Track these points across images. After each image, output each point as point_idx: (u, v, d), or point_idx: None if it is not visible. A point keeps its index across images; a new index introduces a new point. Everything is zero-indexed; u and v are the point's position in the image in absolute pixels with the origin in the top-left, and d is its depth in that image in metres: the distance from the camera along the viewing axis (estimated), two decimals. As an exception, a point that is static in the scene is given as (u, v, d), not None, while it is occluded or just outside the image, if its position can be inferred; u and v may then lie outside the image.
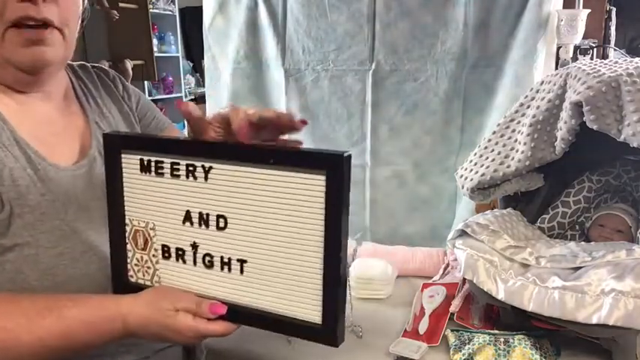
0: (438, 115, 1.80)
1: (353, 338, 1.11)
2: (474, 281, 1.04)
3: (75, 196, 0.76)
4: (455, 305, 1.11)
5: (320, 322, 0.66)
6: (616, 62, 1.08)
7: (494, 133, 1.27)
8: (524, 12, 1.63)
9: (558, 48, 1.69)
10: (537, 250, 1.11)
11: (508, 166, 1.20)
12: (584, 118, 1.05)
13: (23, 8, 0.68)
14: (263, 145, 0.68)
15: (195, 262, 0.72)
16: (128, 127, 0.91)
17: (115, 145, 0.73)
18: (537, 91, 1.20)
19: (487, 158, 1.25)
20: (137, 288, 0.75)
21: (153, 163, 0.71)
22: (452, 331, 1.03)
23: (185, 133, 0.87)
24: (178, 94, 4.59)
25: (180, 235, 0.72)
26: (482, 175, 1.22)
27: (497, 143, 1.25)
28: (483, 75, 1.73)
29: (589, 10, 1.65)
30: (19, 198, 0.69)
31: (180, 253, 0.72)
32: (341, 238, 0.65)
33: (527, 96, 1.24)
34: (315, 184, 0.63)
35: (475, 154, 1.29)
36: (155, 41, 4.28)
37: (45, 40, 0.71)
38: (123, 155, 0.73)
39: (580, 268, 1.00)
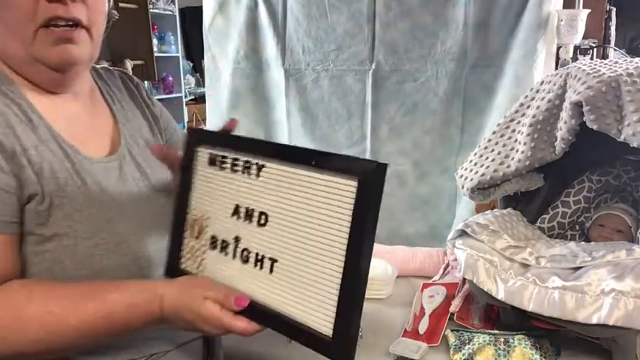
0: (438, 115, 1.80)
1: (353, 338, 1.10)
2: (474, 281, 1.04)
3: (107, 188, 0.79)
4: (455, 305, 1.11)
5: (330, 336, 0.64)
6: (616, 62, 1.08)
7: (494, 133, 1.27)
8: (524, 12, 1.63)
9: (558, 48, 1.69)
10: (537, 250, 1.11)
11: (508, 166, 1.20)
12: (584, 118, 1.05)
13: (53, 9, 0.70)
14: (307, 148, 0.70)
15: (234, 256, 0.74)
16: (150, 132, 0.95)
17: (194, 140, 0.79)
18: (537, 91, 1.20)
19: (487, 158, 1.25)
20: (185, 274, 0.79)
21: (219, 158, 0.76)
22: (452, 331, 1.03)
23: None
24: (178, 94, 4.59)
25: (227, 228, 0.75)
26: (483, 175, 1.22)
27: (497, 143, 1.25)
28: (483, 75, 1.72)
29: (589, 10, 1.65)
30: (58, 190, 0.72)
31: (224, 245, 0.75)
32: (362, 253, 0.63)
33: (527, 96, 1.24)
34: (346, 190, 0.63)
35: (475, 154, 1.29)
36: (155, 41, 4.28)
37: (73, 38, 0.74)
38: (198, 149, 0.79)
39: (580, 268, 1.00)
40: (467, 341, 0.99)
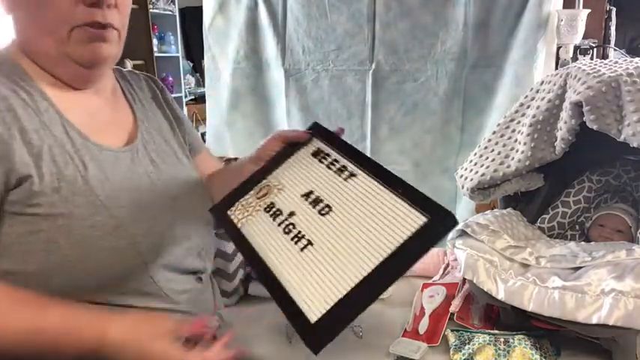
0: (438, 115, 1.80)
1: (353, 338, 1.11)
2: (474, 281, 1.04)
3: (113, 175, 0.80)
4: (455, 305, 1.11)
5: (312, 322, 0.69)
6: (616, 62, 1.08)
7: (494, 133, 1.27)
8: (524, 12, 1.63)
9: (558, 48, 1.69)
10: (537, 250, 1.11)
11: (508, 166, 1.20)
12: (584, 118, 1.05)
13: (91, 14, 0.75)
14: (402, 180, 0.77)
15: (279, 224, 0.82)
16: (171, 131, 0.98)
17: (314, 131, 0.91)
18: (537, 91, 1.20)
19: (487, 158, 1.25)
20: (227, 220, 0.87)
21: (323, 154, 0.87)
22: (452, 331, 1.03)
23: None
24: (178, 94, 4.59)
25: (290, 202, 0.83)
26: (483, 175, 1.22)
27: (497, 143, 1.25)
28: (483, 75, 1.73)
29: (589, 10, 1.65)
30: (57, 172, 0.74)
31: (277, 212, 0.83)
32: (389, 276, 0.68)
33: (527, 96, 1.24)
34: (413, 221, 0.70)
35: (475, 154, 1.29)
36: (155, 41, 4.28)
37: (106, 37, 0.78)
38: (312, 139, 0.90)
39: (580, 268, 1.00)
40: (467, 341, 0.99)
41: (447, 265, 1.34)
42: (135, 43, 3.97)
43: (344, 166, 0.83)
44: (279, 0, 1.90)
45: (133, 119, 0.92)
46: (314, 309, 0.69)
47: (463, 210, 1.78)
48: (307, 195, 0.82)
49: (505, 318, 1.04)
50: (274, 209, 0.84)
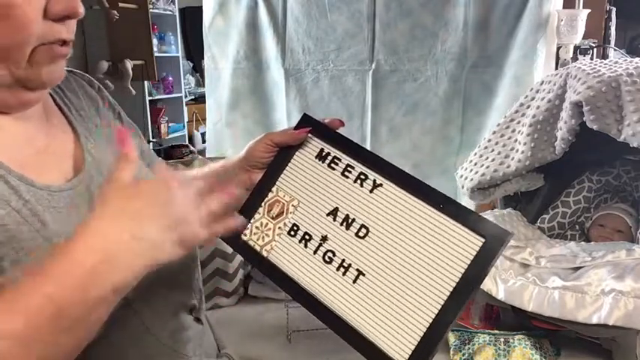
0: (438, 115, 1.79)
1: (353, 338, 1.10)
2: (474, 281, 1.04)
3: (79, 220, 0.60)
4: (455, 305, 1.11)
5: None
6: (616, 62, 1.08)
7: (494, 133, 1.27)
8: (524, 12, 1.63)
9: (558, 48, 1.69)
10: (537, 250, 1.11)
11: (508, 166, 1.20)
12: (584, 118, 1.05)
13: (58, 30, 0.60)
14: (437, 190, 0.70)
15: (315, 252, 0.72)
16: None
17: (306, 125, 0.79)
18: (537, 91, 1.20)
19: (487, 158, 1.25)
20: (246, 247, 0.76)
21: (330, 157, 0.76)
22: (452, 331, 1.03)
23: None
24: (178, 94, 4.58)
25: (316, 224, 0.74)
26: (483, 175, 1.22)
27: (497, 143, 1.25)
28: (483, 75, 1.73)
29: (589, 10, 1.65)
30: (9, 240, 0.55)
31: (307, 237, 0.73)
32: (461, 303, 0.65)
33: (527, 96, 1.24)
34: (469, 243, 0.66)
35: (475, 154, 1.29)
36: (155, 41, 4.27)
37: (66, 55, 0.64)
38: (309, 136, 0.78)
39: (580, 268, 1.00)
40: (467, 341, 0.99)
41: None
42: (135, 43, 3.96)
43: (363, 174, 0.73)
44: (279, 0, 1.90)
45: (74, 137, 0.71)
46: (399, 350, 0.66)
47: (463, 210, 1.77)
48: (334, 213, 0.73)
49: (505, 318, 1.04)
50: (301, 233, 0.74)
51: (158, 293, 0.68)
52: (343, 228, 0.72)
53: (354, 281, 0.69)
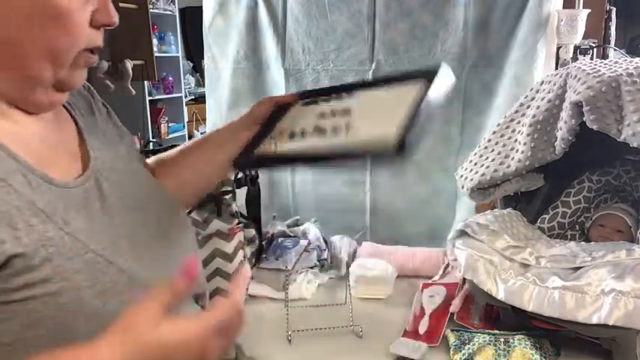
0: (437, 115, 1.79)
1: (353, 338, 1.11)
2: (474, 281, 1.04)
3: (93, 218, 0.65)
4: (455, 305, 1.11)
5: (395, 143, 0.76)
6: (616, 62, 1.08)
7: (494, 133, 1.27)
8: (524, 12, 1.63)
9: (558, 48, 1.69)
10: (537, 250, 1.11)
11: (508, 166, 1.20)
12: (584, 118, 1.05)
13: (97, 37, 0.67)
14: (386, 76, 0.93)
15: (312, 134, 0.86)
16: (116, 132, 0.84)
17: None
18: (537, 91, 1.20)
19: (487, 158, 1.25)
20: (254, 161, 0.90)
21: (314, 100, 0.92)
22: (452, 331, 1.03)
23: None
24: (178, 94, 4.58)
25: (309, 123, 0.88)
26: (483, 175, 1.22)
27: (497, 143, 1.25)
28: (483, 75, 1.72)
29: (589, 10, 1.65)
30: (39, 239, 0.58)
31: (303, 132, 0.87)
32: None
33: (527, 96, 1.24)
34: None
35: (475, 154, 1.29)
36: (155, 41, 4.27)
37: (95, 61, 0.70)
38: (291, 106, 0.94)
39: (580, 268, 1.00)
40: (467, 341, 0.99)
41: (447, 265, 1.34)
42: (135, 43, 3.96)
43: (339, 95, 0.91)
44: (279, 0, 1.90)
45: (78, 134, 0.75)
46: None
47: (463, 210, 1.77)
48: (322, 115, 0.89)
49: (505, 318, 1.04)
50: (297, 132, 0.88)
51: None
52: (331, 116, 0.88)
53: (347, 131, 0.83)
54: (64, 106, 0.75)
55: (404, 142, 0.77)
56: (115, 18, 0.67)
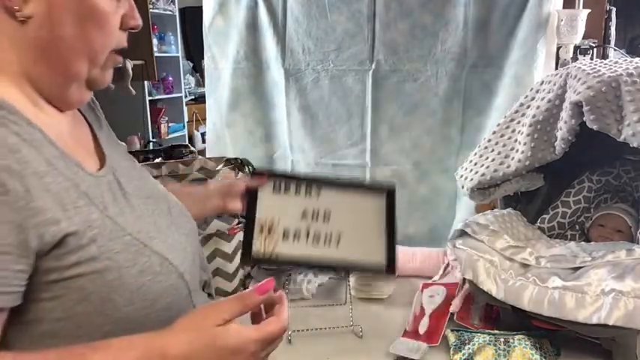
0: (438, 115, 1.79)
1: (353, 338, 1.11)
2: (474, 281, 1.04)
3: (122, 205, 0.71)
4: (455, 305, 1.11)
5: (385, 264, 0.96)
6: (616, 62, 1.08)
7: (494, 133, 1.27)
8: (524, 12, 1.63)
9: (558, 48, 1.69)
10: (537, 250, 1.11)
11: (508, 166, 1.20)
12: (584, 118, 1.05)
13: (124, 38, 0.72)
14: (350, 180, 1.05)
15: (307, 239, 0.97)
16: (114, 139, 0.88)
17: (259, 173, 1.04)
18: (537, 91, 1.20)
19: (487, 158, 1.25)
20: (257, 258, 0.96)
21: (283, 185, 1.02)
22: (452, 331, 1.03)
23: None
24: (178, 94, 4.58)
25: (297, 224, 0.98)
26: (483, 175, 1.22)
27: (497, 143, 1.25)
28: (483, 75, 1.72)
29: (589, 10, 1.65)
30: (85, 220, 0.63)
31: (295, 234, 0.97)
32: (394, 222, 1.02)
33: (527, 96, 1.24)
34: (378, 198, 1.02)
35: (475, 154, 1.29)
36: (155, 41, 4.27)
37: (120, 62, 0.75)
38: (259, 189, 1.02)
39: (580, 268, 1.00)
40: (467, 341, 0.99)
41: (447, 265, 1.34)
42: (135, 43, 3.95)
43: (309, 187, 1.02)
44: (279, 0, 1.90)
45: (89, 129, 0.80)
46: (379, 258, 0.97)
47: (463, 210, 1.77)
48: (304, 214, 0.99)
49: (505, 318, 1.04)
50: (291, 234, 0.97)
51: (195, 271, 0.80)
52: (314, 220, 0.99)
53: (338, 244, 0.96)
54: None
55: (393, 262, 0.97)
56: (140, 21, 0.73)
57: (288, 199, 1.01)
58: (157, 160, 1.76)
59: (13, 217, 0.56)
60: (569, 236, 1.29)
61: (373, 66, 1.83)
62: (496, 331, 1.01)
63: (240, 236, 1.28)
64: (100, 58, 0.69)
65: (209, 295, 0.86)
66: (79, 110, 0.79)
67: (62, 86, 0.69)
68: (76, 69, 0.68)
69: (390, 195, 1.05)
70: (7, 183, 0.56)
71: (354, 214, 1.03)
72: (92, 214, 0.64)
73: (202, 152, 3.14)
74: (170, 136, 4.34)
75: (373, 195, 1.04)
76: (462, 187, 1.28)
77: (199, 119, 4.57)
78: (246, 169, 1.38)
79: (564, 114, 1.10)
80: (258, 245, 0.95)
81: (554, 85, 1.14)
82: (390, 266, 0.98)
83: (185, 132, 4.58)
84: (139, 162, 0.99)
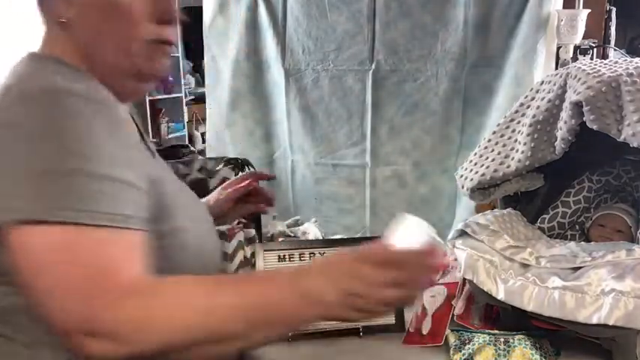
0: (438, 115, 1.80)
1: (353, 338, 1.11)
2: (474, 281, 1.04)
3: (169, 184, 0.79)
4: (458, 307, 1.11)
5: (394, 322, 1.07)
6: (616, 62, 1.08)
7: (494, 133, 1.27)
8: (524, 12, 1.63)
9: (558, 48, 1.69)
10: (537, 250, 1.10)
11: (508, 166, 1.20)
12: (584, 118, 1.05)
13: (163, 31, 0.75)
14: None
15: None
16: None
17: (261, 248, 1.16)
18: (537, 91, 1.20)
19: (487, 158, 1.24)
20: None
21: (287, 255, 1.14)
22: (452, 331, 1.03)
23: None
24: (178, 94, 4.58)
25: None
26: (483, 175, 1.22)
27: (497, 143, 1.25)
28: (483, 75, 1.73)
29: (589, 10, 1.65)
30: (169, 192, 0.73)
31: None
32: None
33: (527, 96, 1.24)
34: None
35: (475, 154, 1.28)
36: (155, 41, 4.27)
37: (170, 54, 0.80)
38: (265, 253, 1.15)
39: (580, 268, 1.00)
40: (467, 341, 0.99)
41: (447, 265, 1.34)
42: (135, 43, 3.96)
43: (312, 252, 1.15)
44: (279, 0, 1.90)
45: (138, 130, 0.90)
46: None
47: (463, 210, 1.78)
48: None
49: (505, 318, 1.04)
50: None
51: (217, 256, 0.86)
52: None
53: None
54: None
55: (402, 319, 1.06)
56: (176, 15, 0.76)
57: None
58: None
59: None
60: (569, 236, 1.29)
61: (373, 66, 1.83)
62: (496, 331, 1.01)
63: (240, 236, 1.28)
64: (134, 47, 0.72)
65: None
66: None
67: (113, 79, 0.74)
68: (113, 61, 0.73)
69: None
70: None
71: None
72: (165, 187, 0.73)
73: (202, 152, 3.14)
74: (170, 136, 4.34)
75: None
76: (462, 187, 1.27)
77: (199, 119, 4.57)
78: (247, 169, 1.38)
79: (564, 114, 1.10)
80: None
81: (554, 85, 1.14)
82: (399, 322, 1.06)
83: (185, 132, 4.58)
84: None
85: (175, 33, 0.78)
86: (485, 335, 0.99)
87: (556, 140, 1.14)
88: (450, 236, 1.17)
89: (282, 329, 0.68)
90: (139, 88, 0.79)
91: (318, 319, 0.66)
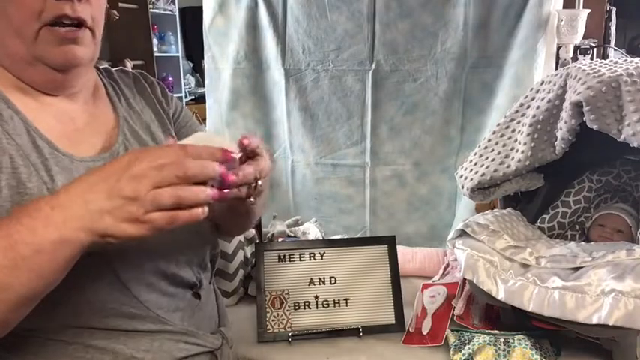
0: (438, 115, 1.80)
1: (353, 338, 1.11)
2: (474, 281, 1.04)
3: None
4: (459, 308, 1.11)
5: (394, 322, 1.12)
6: (616, 62, 1.08)
7: (494, 133, 1.27)
8: (524, 12, 1.63)
9: (558, 48, 1.69)
10: (537, 250, 1.11)
11: (508, 166, 1.20)
12: (584, 118, 1.05)
13: (60, 7, 0.69)
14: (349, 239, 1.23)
15: (317, 307, 1.13)
16: (161, 128, 0.89)
17: (261, 248, 1.18)
18: (537, 91, 1.20)
19: (487, 158, 1.24)
20: (274, 337, 1.10)
21: (287, 255, 1.16)
22: (452, 331, 1.03)
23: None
24: (178, 94, 4.59)
25: (306, 293, 1.14)
26: (483, 175, 1.22)
27: (497, 143, 1.25)
28: (483, 75, 1.73)
29: (589, 10, 1.65)
30: (18, 185, 0.66)
31: (306, 304, 1.13)
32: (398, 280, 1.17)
33: (527, 96, 1.24)
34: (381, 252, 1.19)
35: (475, 154, 1.28)
36: (155, 41, 4.28)
37: (78, 39, 0.73)
38: (265, 253, 1.17)
39: (580, 268, 1.00)
40: (467, 341, 0.99)
41: (447, 265, 1.34)
42: (135, 43, 3.97)
43: (312, 253, 1.17)
44: (279, 0, 1.90)
45: (115, 121, 0.83)
46: (389, 316, 1.14)
47: (463, 210, 1.78)
48: (311, 282, 1.15)
49: (505, 318, 1.04)
50: (301, 304, 1.14)
51: (141, 256, 0.75)
52: (322, 285, 1.14)
53: (347, 304, 1.13)
54: (109, 96, 0.85)
55: (402, 318, 1.10)
56: None
57: (294, 269, 1.15)
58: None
59: None
60: (569, 236, 1.29)
61: (373, 66, 1.83)
62: (496, 331, 1.01)
63: (240, 236, 1.28)
64: (27, 31, 0.69)
65: (196, 294, 0.84)
66: (111, 103, 0.84)
67: (20, 69, 0.72)
68: (9, 48, 0.71)
69: (391, 245, 1.17)
70: None
71: (358, 271, 1.15)
72: (30, 182, 0.67)
73: (202, 152, 3.13)
74: (170, 136, 4.33)
75: (375, 248, 1.17)
76: (462, 187, 1.28)
77: (199, 119, 4.56)
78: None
79: (564, 114, 1.10)
80: (273, 321, 1.10)
81: (554, 85, 1.14)
82: (400, 322, 1.11)
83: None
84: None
85: (87, 9, 0.72)
86: (485, 335, 0.99)
87: (556, 140, 1.14)
88: (450, 236, 1.17)
89: (43, 263, 0.58)
90: (55, 77, 0.74)
91: (87, 240, 0.58)
